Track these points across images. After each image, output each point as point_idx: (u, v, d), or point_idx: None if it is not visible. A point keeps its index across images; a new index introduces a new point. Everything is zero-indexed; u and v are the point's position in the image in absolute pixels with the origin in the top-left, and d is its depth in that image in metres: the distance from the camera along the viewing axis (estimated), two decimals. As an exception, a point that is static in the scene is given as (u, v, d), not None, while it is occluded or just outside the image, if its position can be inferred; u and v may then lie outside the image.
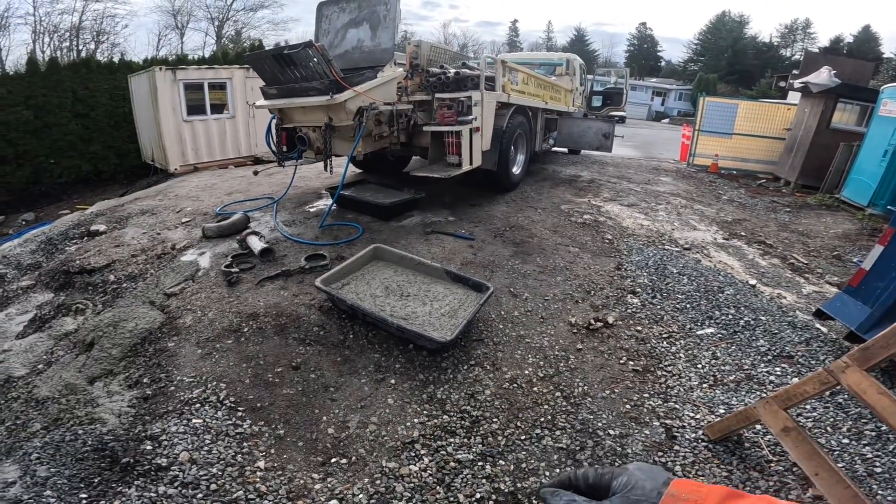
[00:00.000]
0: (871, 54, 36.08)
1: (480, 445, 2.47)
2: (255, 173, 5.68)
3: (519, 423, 2.61)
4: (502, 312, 3.65)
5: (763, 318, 3.92)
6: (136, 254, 4.76)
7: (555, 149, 9.95)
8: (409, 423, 2.60)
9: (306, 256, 4.07)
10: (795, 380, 3.02)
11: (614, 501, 0.61)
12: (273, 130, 5.60)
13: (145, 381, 2.88)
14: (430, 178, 4.89)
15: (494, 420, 2.64)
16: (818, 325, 3.87)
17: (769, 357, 3.37)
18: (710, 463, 2.39)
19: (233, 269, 3.84)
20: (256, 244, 4.18)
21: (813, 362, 3.33)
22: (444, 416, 2.65)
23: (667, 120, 35.41)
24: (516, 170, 6.71)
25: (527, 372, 3.02)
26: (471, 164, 5.09)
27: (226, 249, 4.48)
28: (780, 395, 2.20)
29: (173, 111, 10.20)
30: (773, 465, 2.40)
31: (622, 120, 12.18)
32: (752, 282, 4.76)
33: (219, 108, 11.10)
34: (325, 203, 5.89)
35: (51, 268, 4.71)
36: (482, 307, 3.32)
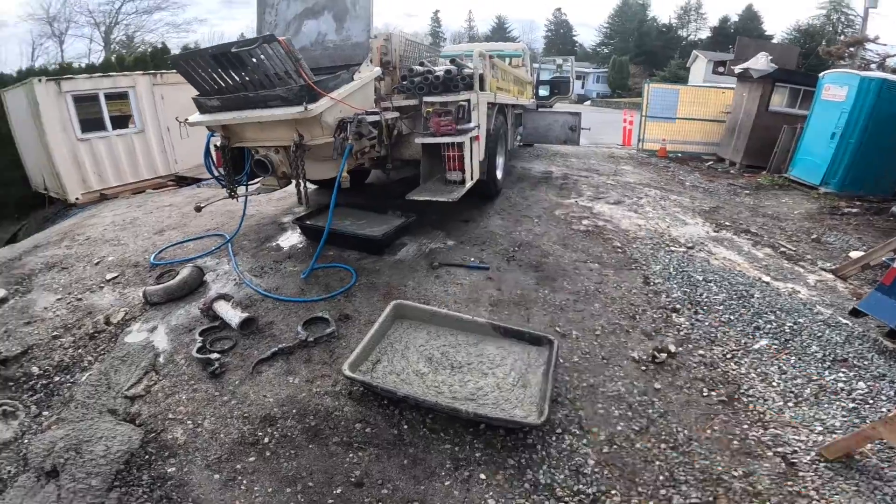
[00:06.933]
0: (755, 32, 39.74)
1: (613, 524, 2.10)
2: (199, 209, 4.53)
3: (640, 489, 2.32)
4: (562, 360, 3.10)
5: (801, 320, 3.87)
6: (58, 334, 3.56)
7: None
8: (525, 524, 2.13)
9: (303, 323, 3.17)
10: (861, 384, 3.03)
11: None
12: (212, 151, 4.51)
13: None
14: (434, 203, 4.11)
15: (614, 492, 2.31)
16: (846, 322, 3.83)
17: (827, 363, 3.32)
18: (836, 481, 2.34)
19: (211, 356, 2.86)
20: (231, 314, 3.20)
21: (866, 363, 3.30)
22: (561, 504, 2.24)
23: (588, 102, 36.62)
24: (499, 174, 6.13)
25: (619, 428, 2.66)
26: (472, 178, 4.40)
27: (184, 320, 3.43)
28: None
29: (63, 129, 8.41)
30: (886, 471, 2.40)
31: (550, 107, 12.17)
32: (765, 278, 4.71)
33: (122, 121, 9.36)
34: (293, 237, 4.91)
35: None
36: (554, 367, 2.69)
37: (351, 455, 2.33)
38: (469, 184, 4.33)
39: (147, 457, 2.36)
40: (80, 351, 3.31)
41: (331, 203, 3.81)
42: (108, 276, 4.43)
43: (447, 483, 2.21)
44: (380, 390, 2.45)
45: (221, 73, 3.70)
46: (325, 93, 3.56)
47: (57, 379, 3.08)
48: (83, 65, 15.62)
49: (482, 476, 2.24)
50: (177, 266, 4.36)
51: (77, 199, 8.48)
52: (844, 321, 3.74)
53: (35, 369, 3.20)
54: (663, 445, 2.47)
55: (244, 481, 2.22)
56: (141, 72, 9.90)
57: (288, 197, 6.51)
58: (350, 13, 4.27)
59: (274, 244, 4.74)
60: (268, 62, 3.48)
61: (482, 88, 4.75)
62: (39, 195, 9.53)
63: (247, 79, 3.71)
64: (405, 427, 2.47)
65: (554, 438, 2.45)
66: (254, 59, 3.50)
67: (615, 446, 2.46)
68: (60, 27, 26.83)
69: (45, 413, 2.81)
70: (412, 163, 4.90)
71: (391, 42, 4.88)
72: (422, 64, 4.72)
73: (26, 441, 2.51)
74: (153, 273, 4.39)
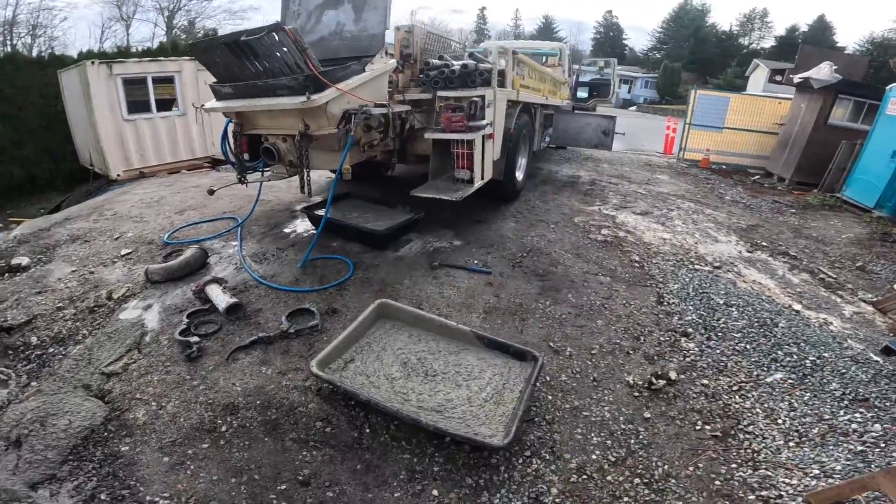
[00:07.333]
0: (825, 44, 37.19)
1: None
2: (211, 192, 4.61)
3: (599, 526, 2.14)
4: (547, 377, 2.93)
5: (826, 354, 3.53)
6: (62, 305, 3.69)
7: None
8: (468, 551, 2.02)
9: (288, 314, 3.14)
10: (877, 426, 2.76)
11: None
12: (230, 136, 4.57)
13: (103, 497, 2.13)
14: (440, 201, 3.99)
15: (568, 527, 2.12)
16: (877, 359, 3.47)
17: (845, 402, 3.02)
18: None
19: (191, 339, 2.86)
20: (220, 298, 3.21)
21: (888, 404, 2.98)
22: (511, 534, 2.10)
23: (634, 108, 35.41)
24: (520, 175, 5.93)
25: (594, 457, 2.46)
26: (482, 178, 4.25)
27: (179, 300, 3.48)
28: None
29: (111, 109, 8.84)
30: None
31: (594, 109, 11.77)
32: (796, 306, 4.33)
33: (167, 104, 9.74)
34: (302, 225, 4.91)
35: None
36: (534, 386, 2.52)
37: (305, 453, 2.27)
38: (478, 183, 4.18)
39: (106, 434, 2.40)
40: (77, 324, 3.41)
41: (329, 194, 3.77)
42: (123, 252, 4.57)
43: (396, 494, 2.11)
44: (342, 391, 2.38)
45: (234, 62, 3.72)
46: (331, 83, 3.51)
47: (51, 350, 3.17)
48: (142, 48, 16.48)
49: (435, 492, 2.12)
50: (187, 246, 4.44)
51: (118, 175, 8.88)
52: (875, 358, 3.39)
53: (34, 339, 3.31)
54: (637, 480, 2.27)
55: (192, 466, 2.21)
56: (187, 58, 10.25)
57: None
58: (368, 4, 4.21)
59: (282, 231, 4.76)
60: (276, 51, 3.47)
61: (502, 85, 4.59)
62: (85, 170, 10.08)
63: (259, 68, 3.72)
64: (367, 431, 2.38)
65: (520, 461, 2.30)
66: (264, 48, 3.50)
67: (584, 476, 2.28)
68: (128, 11, 28.31)
69: (34, 384, 2.90)
70: (426, 158, 4.79)
71: (413, 35, 4.79)
72: (441, 58, 4.60)
73: (8, 410, 2.58)
74: (164, 251, 4.50)
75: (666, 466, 2.37)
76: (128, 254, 4.52)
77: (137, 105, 9.24)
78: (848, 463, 2.40)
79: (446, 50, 5.35)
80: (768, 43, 46.08)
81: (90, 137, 9.21)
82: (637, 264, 4.63)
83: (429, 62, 4.43)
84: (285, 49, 3.39)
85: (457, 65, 4.24)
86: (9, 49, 21.95)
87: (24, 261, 4.70)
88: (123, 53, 14.11)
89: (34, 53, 19.79)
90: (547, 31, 54.43)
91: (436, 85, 4.26)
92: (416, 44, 4.84)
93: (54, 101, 11.03)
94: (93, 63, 8.63)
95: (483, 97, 4.06)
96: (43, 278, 4.24)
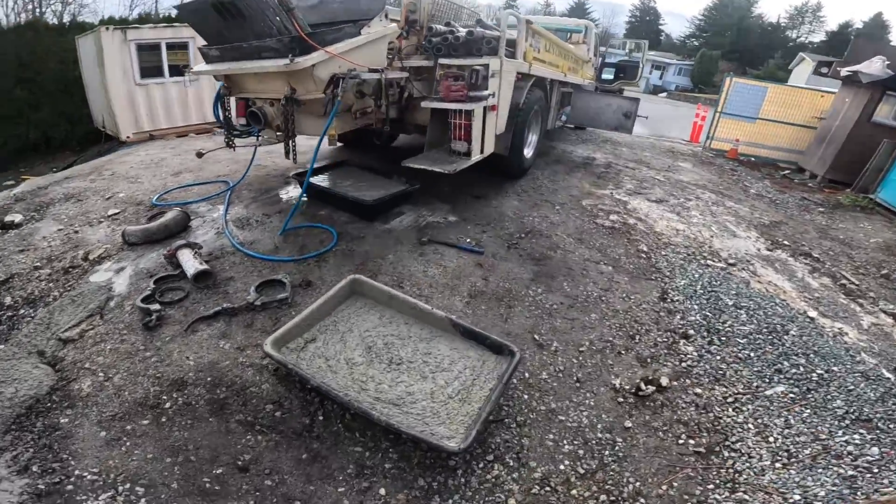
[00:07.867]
0: (880, 42, 34.96)
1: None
2: (200, 155, 4.45)
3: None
4: (526, 374, 2.71)
5: (836, 368, 3.24)
6: (39, 265, 3.59)
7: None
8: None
9: (258, 284, 2.97)
10: (874, 450, 2.55)
11: None
12: (223, 100, 4.42)
13: (35, 469, 2.04)
14: (433, 173, 3.76)
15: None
16: (889, 376, 3.17)
17: (847, 422, 2.78)
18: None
19: (152, 306, 2.72)
20: (190, 264, 3.05)
21: (892, 426, 2.72)
22: (457, 546, 1.94)
23: (664, 94, 34.10)
24: (528, 152, 5.62)
25: (562, 467, 2.24)
26: (482, 152, 3.99)
27: (152, 264, 3.34)
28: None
29: (123, 74, 8.88)
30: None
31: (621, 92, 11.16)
32: (812, 313, 4.00)
33: (179, 70, 9.66)
34: (294, 191, 4.73)
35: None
36: (505, 384, 2.30)
37: (249, 437, 2.12)
38: (476, 157, 3.92)
39: (49, 404, 2.29)
40: (51, 285, 3.31)
41: (313, 157, 3.59)
42: (111, 212, 4.48)
43: (341, 489, 1.94)
44: (294, 374, 2.20)
45: (221, 23, 3.52)
46: (319, 46, 3.28)
47: (21, 312, 3.08)
48: (165, 15, 16.48)
49: (382, 491, 1.95)
50: (173, 208, 4.32)
51: (128, 137, 8.91)
52: (888, 375, 3.08)
53: (8, 299, 3.22)
54: (603, 497, 2.05)
55: (128, 443, 2.10)
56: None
57: (308, 151, 6.37)
58: (369, -37, 3.91)
59: (272, 197, 4.60)
60: (262, 11, 3.25)
61: (512, 56, 4.27)
62: (99, 132, 10.16)
63: (246, 29, 3.51)
64: (320, 418, 2.21)
65: (481, 466, 2.10)
66: (249, 9, 3.28)
67: (547, 489, 2.07)
68: (159, -23, 28.11)
69: (2, 347, 2.80)
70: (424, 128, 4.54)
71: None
72: (448, 24, 4.29)
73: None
74: (151, 213, 4.38)
75: (637, 483, 2.16)
76: (115, 214, 4.42)
77: (151, 70, 9.24)
78: (833, 489, 2.16)
79: (457, 17, 5.03)
80: (818, 37, 43.59)
81: (103, 101, 9.28)
82: (644, 255, 4.33)
83: (432, 27, 4.13)
84: (271, 9, 3.17)
85: (462, 31, 3.94)
86: (38, 15, 22.19)
87: (17, 218, 4.64)
88: (143, 20, 14.19)
89: (64, 20, 19.95)
90: (579, 11, 52.32)
91: (438, 52, 3.98)
92: (424, 9, 4.53)
93: (73, 66, 11.24)
94: (107, 29, 8.68)
95: (487, 66, 3.77)
96: (29, 236, 4.17)
